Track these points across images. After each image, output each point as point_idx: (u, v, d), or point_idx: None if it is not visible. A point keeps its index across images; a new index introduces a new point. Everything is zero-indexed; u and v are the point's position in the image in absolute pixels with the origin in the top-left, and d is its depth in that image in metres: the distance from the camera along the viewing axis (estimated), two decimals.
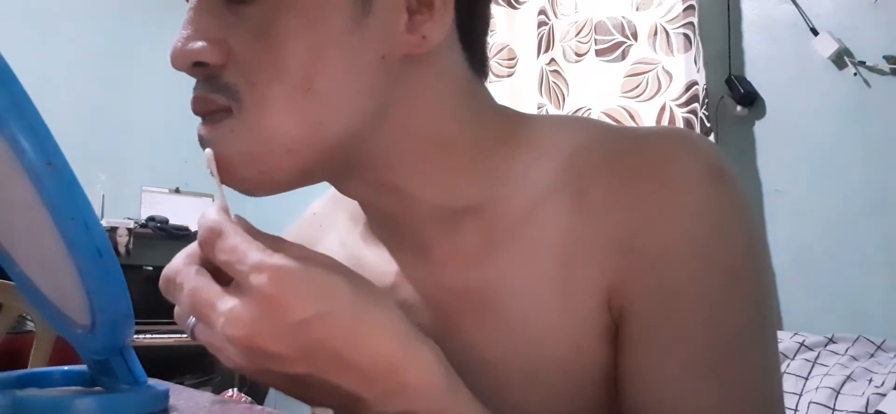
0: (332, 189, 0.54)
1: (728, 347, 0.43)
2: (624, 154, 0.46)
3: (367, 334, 0.37)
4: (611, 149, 0.47)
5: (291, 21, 0.41)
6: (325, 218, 0.62)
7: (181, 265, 0.38)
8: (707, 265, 0.43)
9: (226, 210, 0.39)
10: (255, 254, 0.35)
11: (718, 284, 0.43)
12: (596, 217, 0.45)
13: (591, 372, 0.46)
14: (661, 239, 0.43)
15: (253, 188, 0.44)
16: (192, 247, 0.39)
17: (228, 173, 0.43)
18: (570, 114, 2.22)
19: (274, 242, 0.38)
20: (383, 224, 0.53)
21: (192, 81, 0.44)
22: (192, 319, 0.38)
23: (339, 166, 0.46)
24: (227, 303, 0.35)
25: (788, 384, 1.50)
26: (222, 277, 0.37)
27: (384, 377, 0.37)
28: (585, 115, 2.19)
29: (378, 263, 0.53)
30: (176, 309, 0.40)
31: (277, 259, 0.35)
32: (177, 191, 3.70)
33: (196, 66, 0.43)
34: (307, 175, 0.45)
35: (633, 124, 2.12)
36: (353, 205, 0.56)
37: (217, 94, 0.42)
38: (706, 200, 0.44)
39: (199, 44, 0.42)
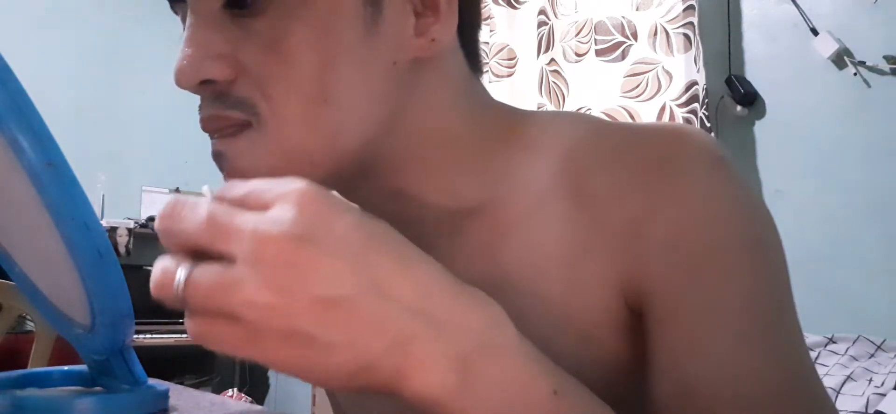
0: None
1: (764, 312, 0.42)
2: (623, 149, 0.46)
3: (415, 261, 0.33)
4: (609, 144, 0.47)
5: (303, 32, 0.41)
6: None
7: (167, 262, 0.31)
8: (723, 234, 0.43)
9: None
10: (282, 180, 0.31)
11: (738, 250, 0.43)
12: (597, 211, 0.45)
13: (604, 362, 0.46)
14: (670, 222, 0.43)
15: None
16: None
17: None
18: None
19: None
20: None
21: None
22: (182, 274, 0.30)
23: (352, 173, 0.46)
24: (255, 214, 0.29)
25: None
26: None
27: (444, 300, 0.32)
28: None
29: None
30: (155, 271, 0.32)
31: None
32: (177, 191, 3.70)
33: (203, 84, 0.42)
34: (325, 184, 0.45)
35: None
36: None
37: (232, 110, 0.42)
38: (710, 184, 0.44)
39: (207, 61, 0.41)
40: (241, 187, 0.31)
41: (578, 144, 0.48)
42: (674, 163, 0.44)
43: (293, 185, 0.30)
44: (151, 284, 0.31)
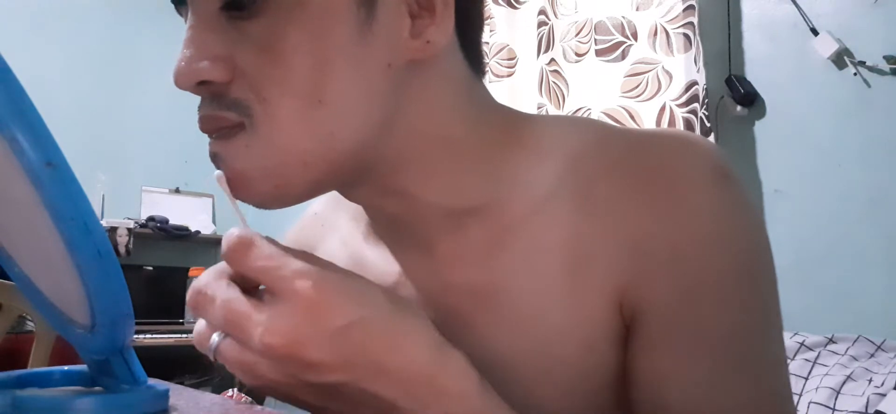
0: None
1: (751, 339, 0.43)
2: (628, 157, 0.46)
3: (404, 341, 0.37)
4: (614, 151, 0.47)
5: (297, 34, 0.41)
6: (326, 218, 0.62)
7: (211, 279, 0.38)
8: (721, 262, 0.43)
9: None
10: (295, 262, 0.36)
11: (734, 279, 0.43)
12: (602, 219, 0.45)
13: (603, 373, 0.46)
14: (673, 240, 0.44)
15: (268, 202, 0.44)
16: (221, 264, 0.40)
17: (244, 188, 0.43)
18: (570, 114, 2.22)
19: (305, 257, 0.39)
20: (387, 225, 0.53)
21: None
22: (215, 339, 0.38)
23: (349, 174, 0.46)
24: (264, 312, 0.35)
25: None
26: (251, 292, 0.38)
27: (421, 383, 0.37)
28: (585, 115, 2.19)
29: (380, 262, 0.53)
30: (196, 329, 0.40)
31: (316, 267, 0.36)
32: (177, 191, 3.70)
33: (201, 85, 0.42)
34: (321, 186, 0.46)
35: (634, 124, 2.12)
36: (353, 205, 0.56)
37: (227, 111, 0.42)
38: (714, 200, 0.44)
39: (204, 62, 0.42)
40: (253, 261, 0.37)
41: (585, 150, 0.48)
42: (679, 177, 0.44)
43: (301, 286, 0.35)
44: (194, 336, 0.40)
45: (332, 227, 0.60)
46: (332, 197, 0.62)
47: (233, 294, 0.37)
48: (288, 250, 0.38)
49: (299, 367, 0.36)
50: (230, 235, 0.38)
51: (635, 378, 0.44)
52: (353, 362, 0.36)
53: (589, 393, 0.46)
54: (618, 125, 0.52)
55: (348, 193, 0.51)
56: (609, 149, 0.47)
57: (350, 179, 0.47)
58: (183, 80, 0.42)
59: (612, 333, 0.45)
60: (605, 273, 0.45)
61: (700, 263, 0.43)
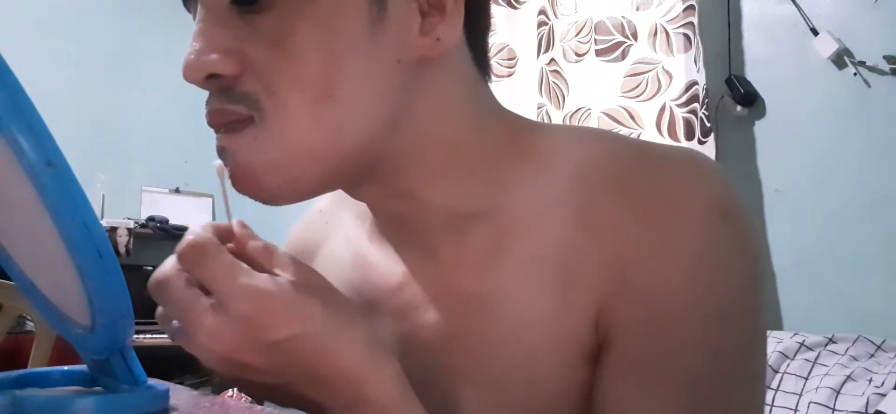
0: None
1: (712, 390, 0.42)
2: (632, 177, 0.45)
3: (336, 352, 0.39)
4: (620, 167, 0.46)
5: (308, 29, 0.41)
6: (331, 215, 0.62)
7: (172, 272, 0.39)
8: (699, 307, 0.42)
9: (228, 223, 0.40)
10: (240, 279, 0.37)
11: (709, 323, 0.42)
12: (597, 238, 0.45)
13: (584, 392, 0.45)
14: (656, 273, 0.43)
15: (275, 197, 0.44)
16: None
17: (251, 182, 0.43)
18: (574, 122, 2.22)
19: (264, 255, 0.40)
20: (391, 225, 0.53)
21: None
22: (175, 325, 0.40)
23: (356, 172, 0.46)
24: (210, 320, 0.38)
25: (788, 384, 1.50)
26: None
27: (348, 390, 0.40)
28: (585, 115, 2.19)
29: (384, 262, 0.53)
30: (159, 310, 0.41)
31: (260, 282, 0.38)
32: (177, 191, 3.69)
33: (210, 79, 0.42)
34: (328, 182, 0.46)
35: (634, 124, 2.12)
36: (358, 203, 0.56)
37: (236, 104, 0.42)
38: (707, 239, 0.43)
39: (214, 56, 0.41)
40: (203, 271, 0.38)
41: (591, 163, 0.47)
42: (677, 207, 0.43)
43: (243, 305, 0.37)
44: (157, 316, 0.42)
45: (337, 224, 0.61)
46: (338, 195, 0.62)
47: (187, 294, 0.38)
48: (249, 245, 0.40)
49: (238, 369, 0.39)
50: (187, 236, 0.39)
51: (596, 398, 0.44)
52: (286, 370, 0.39)
53: (572, 411, 0.46)
54: (633, 138, 0.51)
55: (354, 192, 0.51)
56: (615, 164, 0.46)
57: (357, 177, 0.47)
58: (192, 74, 0.42)
59: (590, 351, 0.45)
60: (590, 290, 0.44)
61: (676, 301, 0.42)
